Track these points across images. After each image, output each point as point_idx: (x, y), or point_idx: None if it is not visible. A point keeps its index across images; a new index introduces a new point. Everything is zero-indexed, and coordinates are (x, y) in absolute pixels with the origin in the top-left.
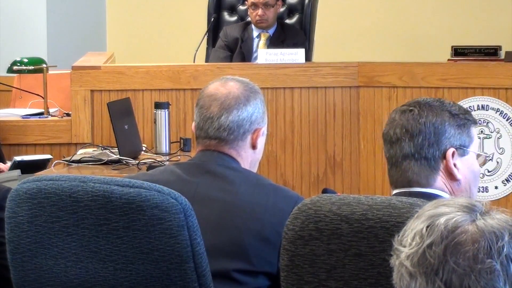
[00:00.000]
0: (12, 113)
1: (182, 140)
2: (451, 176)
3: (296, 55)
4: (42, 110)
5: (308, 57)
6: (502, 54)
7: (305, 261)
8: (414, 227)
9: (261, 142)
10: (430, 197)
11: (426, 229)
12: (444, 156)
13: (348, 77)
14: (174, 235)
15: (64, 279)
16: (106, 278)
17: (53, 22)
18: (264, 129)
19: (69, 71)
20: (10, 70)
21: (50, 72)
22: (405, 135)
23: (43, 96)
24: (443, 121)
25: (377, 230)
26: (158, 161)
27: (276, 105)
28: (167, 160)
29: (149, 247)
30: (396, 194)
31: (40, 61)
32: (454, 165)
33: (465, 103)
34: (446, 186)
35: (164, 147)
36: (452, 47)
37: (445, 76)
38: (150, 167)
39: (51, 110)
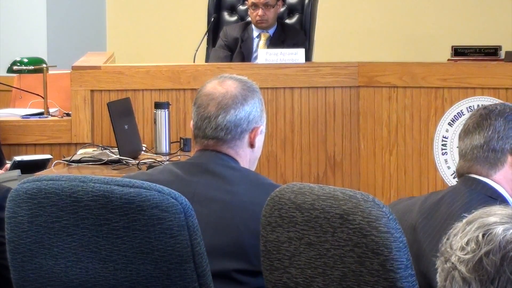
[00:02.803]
0: (12, 113)
1: (182, 140)
2: None
3: (296, 55)
4: (42, 110)
5: (308, 57)
6: (502, 54)
7: (273, 247)
8: (466, 232)
9: (259, 140)
10: (479, 183)
11: (483, 237)
12: None
13: (348, 77)
14: (174, 235)
15: (64, 279)
16: (106, 278)
17: (53, 22)
18: (262, 128)
19: (69, 71)
20: (10, 70)
21: (50, 72)
22: (477, 128)
23: (43, 96)
24: None
25: (321, 220)
26: (158, 161)
27: (276, 105)
28: (167, 160)
29: (149, 247)
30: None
31: (40, 61)
32: None
33: (465, 103)
34: (507, 182)
35: (164, 147)
36: (452, 47)
37: (445, 76)
38: (150, 167)
39: (51, 110)
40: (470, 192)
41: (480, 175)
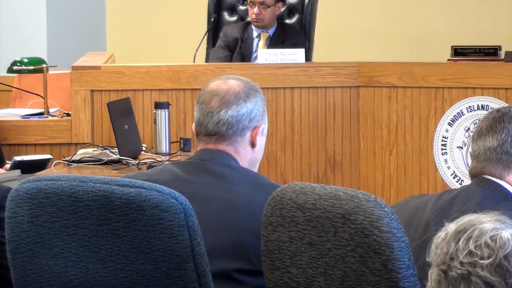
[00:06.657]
0: (12, 113)
1: (182, 140)
2: None
3: (296, 55)
4: (42, 110)
5: (308, 57)
6: (502, 54)
7: (275, 246)
8: (466, 240)
9: (260, 141)
10: (493, 184)
11: (493, 242)
12: None
13: (348, 77)
14: (174, 235)
15: (64, 279)
16: (106, 278)
17: (53, 22)
18: (263, 128)
19: (69, 71)
20: (10, 70)
21: (50, 72)
22: (490, 131)
23: (43, 96)
24: None
25: (323, 220)
26: (158, 161)
27: (276, 105)
28: (167, 160)
29: (149, 247)
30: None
31: (40, 61)
32: None
33: (465, 103)
34: None
35: (164, 147)
36: (452, 47)
37: (445, 76)
38: (150, 167)
39: (51, 110)
40: (483, 192)
41: (493, 176)
